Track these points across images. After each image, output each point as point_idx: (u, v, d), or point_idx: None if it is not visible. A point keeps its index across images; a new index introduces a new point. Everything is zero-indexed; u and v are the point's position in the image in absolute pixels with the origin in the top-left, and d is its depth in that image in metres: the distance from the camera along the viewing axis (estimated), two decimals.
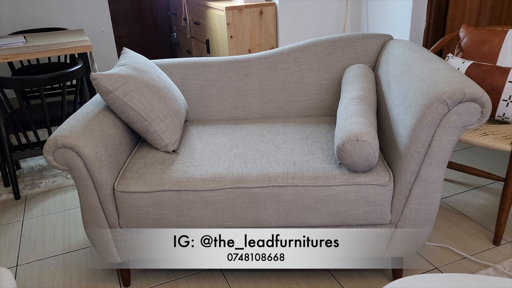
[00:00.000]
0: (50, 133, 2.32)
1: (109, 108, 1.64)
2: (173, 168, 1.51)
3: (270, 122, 1.88)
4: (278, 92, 1.97)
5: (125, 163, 1.60)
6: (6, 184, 2.48)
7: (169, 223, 1.48)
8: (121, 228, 1.53)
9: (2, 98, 2.18)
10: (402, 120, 1.43)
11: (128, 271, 1.65)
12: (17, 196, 2.35)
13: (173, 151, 1.64)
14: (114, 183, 1.48)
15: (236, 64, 2.00)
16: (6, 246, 1.96)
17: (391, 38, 1.95)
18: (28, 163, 2.76)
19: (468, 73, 1.80)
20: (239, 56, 2.02)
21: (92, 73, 1.50)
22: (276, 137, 1.70)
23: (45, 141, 2.45)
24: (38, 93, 2.99)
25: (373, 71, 1.91)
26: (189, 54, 3.91)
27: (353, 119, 1.45)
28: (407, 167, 1.38)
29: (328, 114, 1.97)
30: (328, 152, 1.55)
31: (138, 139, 1.78)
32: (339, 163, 1.46)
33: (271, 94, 1.98)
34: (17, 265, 1.83)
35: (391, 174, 1.43)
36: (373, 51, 1.93)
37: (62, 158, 1.42)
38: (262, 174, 1.45)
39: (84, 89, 2.46)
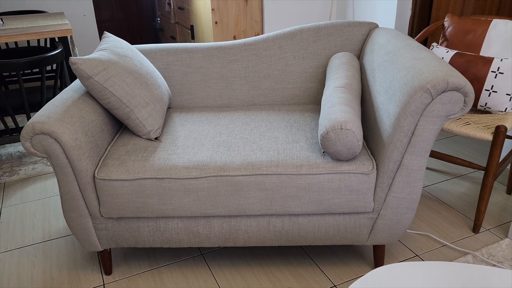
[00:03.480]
0: (29, 119, 2.26)
1: (89, 94, 1.60)
2: (155, 156, 1.49)
3: (254, 110, 1.86)
4: (262, 79, 1.96)
5: (106, 150, 1.57)
6: None
7: (151, 211, 1.47)
8: (102, 216, 1.50)
9: None
10: (386, 109, 1.43)
11: (109, 259, 1.63)
12: None
13: (156, 138, 1.61)
14: (95, 171, 1.45)
15: (221, 51, 1.97)
16: None
17: (376, 26, 1.94)
18: (7, 149, 2.69)
19: (452, 62, 1.81)
20: (224, 42, 1.99)
21: (71, 57, 1.46)
22: (260, 125, 1.69)
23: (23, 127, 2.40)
24: (17, 78, 2.91)
25: (358, 59, 1.90)
26: (173, 40, 3.85)
27: (337, 107, 1.44)
28: (390, 156, 1.38)
29: (313, 102, 1.96)
30: (312, 141, 1.54)
31: (119, 126, 1.75)
32: (323, 152, 1.46)
33: (256, 81, 1.96)
34: None
35: (374, 163, 1.43)
36: (358, 39, 1.92)
37: (40, 145, 1.38)
38: (245, 162, 1.44)
39: (64, 74, 2.40)
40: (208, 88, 1.97)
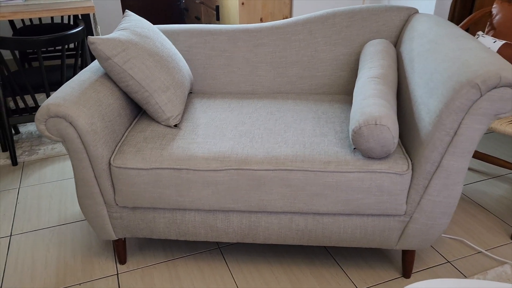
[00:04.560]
0: (48, 97, 2.21)
1: (108, 76, 1.53)
2: (174, 144, 1.40)
3: (280, 98, 1.76)
4: (290, 66, 1.84)
5: (123, 136, 1.49)
6: (4, 149, 2.40)
7: (167, 202, 1.39)
8: (117, 205, 1.44)
9: None
10: (426, 103, 1.30)
11: (124, 248, 1.58)
12: (14, 162, 2.27)
13: (175, 125, 1.53)
14: (111, 158, 1.38)
15: (247, 34, 1.86)
16: (1, 214, 1.89)
17: (416, 12, 1.79)
18: (27, 128, 2.67)
19: (499, 53, 1.65)
20: (250, 25, 1.88)
21: (89, 37, 1.38)
22: (286, 115, 1.58)
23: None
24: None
25: (395, 47, 1.76)
26: (197, 20, 3.74)
27: (371, 100, 1.32)
28: (428, 155, 1.26)
29: (343, 92, 1.84)
30: (342, 135, 1.43)
31: (138, 110, 1.67)
32: (354, 148, 1.35)
33: (283, 67, 1.84)
34: (11, 235, 1.77)
35: (410, 163, 1.31)
36: (395, 26, 1.78)
37: (55, 128, 1.32)
38: (269, 155, 1.34)
39: (85, 53, 2.33)
40: (232, 73, 1.87)
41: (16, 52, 3.65)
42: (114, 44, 1.42)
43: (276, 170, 1.31)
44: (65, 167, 2.25)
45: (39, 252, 1.67)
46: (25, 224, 1.83)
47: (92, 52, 1.41)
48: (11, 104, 3.02)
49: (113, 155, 1.39)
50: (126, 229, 1.49)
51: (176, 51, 1.69)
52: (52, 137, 1.34)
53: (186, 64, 1.75)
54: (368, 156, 1.30)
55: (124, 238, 1.56)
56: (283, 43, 1.84)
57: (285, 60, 1.84)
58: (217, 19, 3.21)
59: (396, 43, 1.77)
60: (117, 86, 1.53)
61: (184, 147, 1.39)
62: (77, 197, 1.45)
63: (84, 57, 2.32)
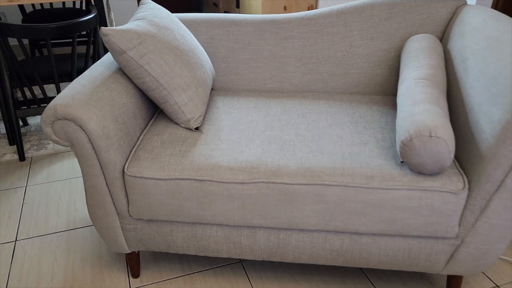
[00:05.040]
0: (58, 89, 2.07)
1: (122, 71, 1.37)
2: (196, 151, 1.25)
3: (311, 98, 1.59)
4: (322, 61, 1.66)
5: (138, 139, 1.34)
6: (11, 143, 2.28)
7: (187, 216, 1.24)
8: (131, 216, 1.30)
9: (5, 48, 1.92)
10: (487, 112, 1.12)
11: (137, 262, 1.44)
12: (21, 157, 2.14)
13: (196, 128, 1.37)
14: (125, 165, 1.24)
15: (274, 25, 1.68)
16: (6, 216, 1.77)
17: (464, 3, 1.60)
18: (36, 119, 2.54)
19: None
20: (278, 15, 1.70)
21: (102, 28, 1.22)
22: (319, 118, 1.42)
23: (53, 97, 2.21)
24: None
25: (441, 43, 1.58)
26: (215, 7, 3.56)
27: (422, 106, 1.15)
28: (490, 173, 1.09)
29: (380, 92, 1.66)
30: (384, 144, 1.27)
31: (154, 109, 1.52)
32: (401, 161, 1.18)
33: (314, 63, 1.67)
34: (16, 240, 1.64)
35: (466, 180, 1.14)
36: (441, 19, 1.59)
37: (63, 132, 1.17)
38: (303, 167, 1.18)
39: (97, 42, 2.18)
40: (257, 68, 1.70)
41: (25, 40, 3.52)
42: (130, 36, 1.26)
43: (311, 184, 1.15)
44: (75, 164, 2.11)
45: (46, 260, 1.55)
46: (31, 228, 1.70)
47: (105, 45, 1.25)
48: (19, 95, 2.89)
49: (128, 162, 1.24)
50: (140, 242, 1.35)
51: (198, 44, 1.53)
52: (60, 141, 1.19)
53: (208, 58, 1.59)
54: (419, 171, 1.13)
55: (138, 251, 1.42)
56: (314, 36, 1.66)
57: (316, 55, 1.66)
58: (237, 6, 3.03)
59: (442, 39, 1.58)
60: (132, 83, 1.37)
61: (207, 155, 1.23)
62: (87, 205, 1.31)
63: (96, 45, 2.17)
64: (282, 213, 1.20)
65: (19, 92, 2.73)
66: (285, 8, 2.64)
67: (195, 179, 1.19)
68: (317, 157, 1.21)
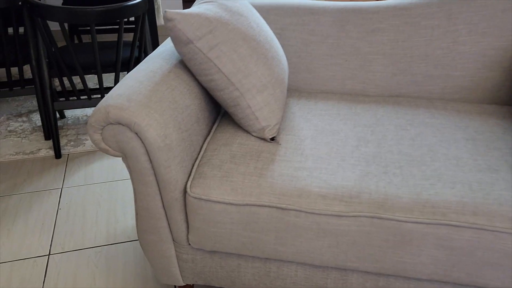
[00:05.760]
0: (100, 81, 1.85)
1: (184, 66, 1.12)
2: (275, 170, 0.99)
3: (406, 104, 1.30)
4: (416, 60, 1.37)
5: (201, 149, 1.10)
6: (47, 137, 2.08)
7: (261, 251, 0.99)
8: (190, 245, 1.05)
9: (46, 33, 1.71)
10: None
11: None
12: (57, 154, 1.94)
13: (272, 138, 1.11)
14: (187, 183, 0.99)
15: (359, 15, 1.40)
16: (39, 224, 1.56)
17: None
18: (74, 112, 2.34)
19: None
20: (364, 3, 1.42)
21: (168, 11, 0.97)
22: (423, 132, 1.13)
23: (94, 89, 2.00)
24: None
25: None
26: None
27: None
28: None
29: (490, 100, 1.36)
30: None
31: (217, 111, 1.27)
32: None
33: (406, 62, 1.38)
34: (49, 254, 1.43)
35: None
36: None
37: (114, 140, 0.93)
38: (420, 199, 0.90)
39: (145, 30, 1.94)
40: (335, 66, 1.42)
41: (65, 25, 3.34)
42: (199, 23, 1.01)
43: (432, 224, 0.88)
44: (115, 165, 1.89)
45: (83, 280, 1.33)
46: (66, 240, 1.49)
47: (168, 32, 1.01)
48: (56, 85, 2.70)
49: (190, 179, 0.99)
50: (199, 275, 1.10)
51: (273, 34, 1.26)
52: (109, 150, 0.95)
53: (284, 53, 1.32)
54: None
55: (193, 285, 1.18)
56: (408, 30, 1.37)
57: (410, 52, 1.37)
58: None
59: None
60: (196, 80, 1.12)
61: (290, 176, 0.97)
62: (137, 230, 1.07)
63: (143, 35, 1.94)
64: (387, 257, 0.93)
65: (56, 82, 2.55)
66: None
67: (277, 207, 0.93)
68: (436, 187, 0.93)
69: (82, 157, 1.96)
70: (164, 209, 1.01)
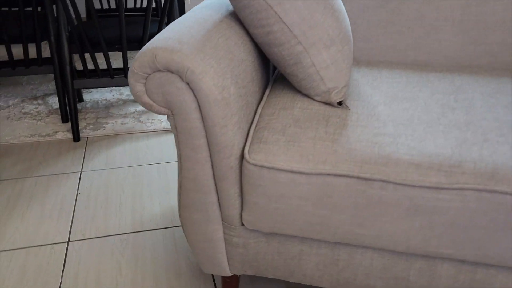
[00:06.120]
0: (125, 57, 1.70)
1: (235, 17, 0.96)
2: (351, 135, 0.82)
3: (483, 74, 1.12)
4: (492, 27, 1.20)
5: (255, 114, 0.93)
6: (64, 120, 1.93)
7: (332, 233, 0.82)
8: (243, 225, 0.88)
9: (68, 3, 1.57)
10: None
11: (236, 284, 1.03)
12: (76, 137, 1.78)
13: (339, 103, 0.94)
14: (244, 148, 0.82)
15: None
16: (57, 208, 1.40)
17: None
18: (93, 95, 2.19)
19: None
20: None
21: None
22: None
23: (118, 69, 1.85)
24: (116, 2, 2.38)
25: None
26: None
27: None
28: None
29: None
30: None
31: (267, 77, 1.11)
32: None
33: (480, 30, 1.21)
34: (68, 241, 1.27)
35: None
36: None
37: (161, 92, 0.77)
38: None
39: (174, 5, 1.79)
40: (396, 34, 1.26)
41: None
42: None
43: None
44: (139, 149, 1.73)
45: (107, 271, 1.16)
46: (87, 227, 1.32)
47: None
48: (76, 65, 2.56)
49: (248, 144, 0.82)
50: (249, 264, 0.93)
51: None
52: (154, 105, 0.79)
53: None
54: None
55: (239, 277, 1.00)
56: None
57: (484, 18, 1.20)
58: None
59: None
60: (249, 34, 0.96)
61: (370, 142, 0.80)
62: (179, 206, 0.90)
63: (172, 10, 1.79)
64: (493, 242, 0.75)
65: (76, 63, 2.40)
66: None
67: (358, 177, 0.76)
68: None
69: (102, 140, 1.80)
70: (215, 180, 0.84)
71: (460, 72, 1.13)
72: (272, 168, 0.78)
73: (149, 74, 0.76)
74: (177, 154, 0.85)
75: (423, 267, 0.83)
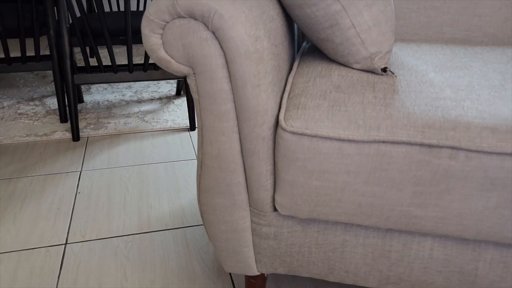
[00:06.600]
0: (129, 50, 1.58)
1: None
2: (404, 99, 0.69)
3: None
4: None
5: (286, 83, 0.80)
6: (63, 120, 1.80)
7: (386, 216, 0.68)
8: (275, 211, 0.74)
9: None
10: None
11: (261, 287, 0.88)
12: (75, 136, 1.65)
13: (383, 69, 0.82)
14: (279, 114, 0.69)
15: None
16: (54, 208, 1.25)
17: None
18: (93, 96, 2.06)
19: None
20: None
21: None
22: None
23: (121, 65, 1.72)
24: None
25: None
26: None
27: None
28: None
29: None
30: None
31: (294, 48, 0.98)
32: None
33: None
34: (66, 243, 1.12)
35: None
36: None
37: (181, 44, 0.64)
38: None
39: None
40: (432, 10, 1.14)
41: None
42: None
43: None
44: (143, 148, 1.60)
45: (110, 276, 1.01)
46: (88, 227, 1.18)
47: None
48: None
49: (283, 109, 0.69)
50: (281, 259, 0.78)
51: None
52: (172, 62, 0.66)
53: None
54: None
55: (266, 276, 0.86)
56: None
57: None
58: None
59: None
60: None
61: (430, 105, 0.67)
62: (199, 190, 0.76)
63: None
64: None
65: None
66: None
67: (422, 144, 0.62)
68: None
69: (104, 140, 1.67)
70: (242, 156, 0.71)
71: (508, 46, 1.01)
72: (315, 136, 0.65)
73: (168, 22, 0.63)
74: (198, 125, 0.71)
75: (495, 257, 0.69)
